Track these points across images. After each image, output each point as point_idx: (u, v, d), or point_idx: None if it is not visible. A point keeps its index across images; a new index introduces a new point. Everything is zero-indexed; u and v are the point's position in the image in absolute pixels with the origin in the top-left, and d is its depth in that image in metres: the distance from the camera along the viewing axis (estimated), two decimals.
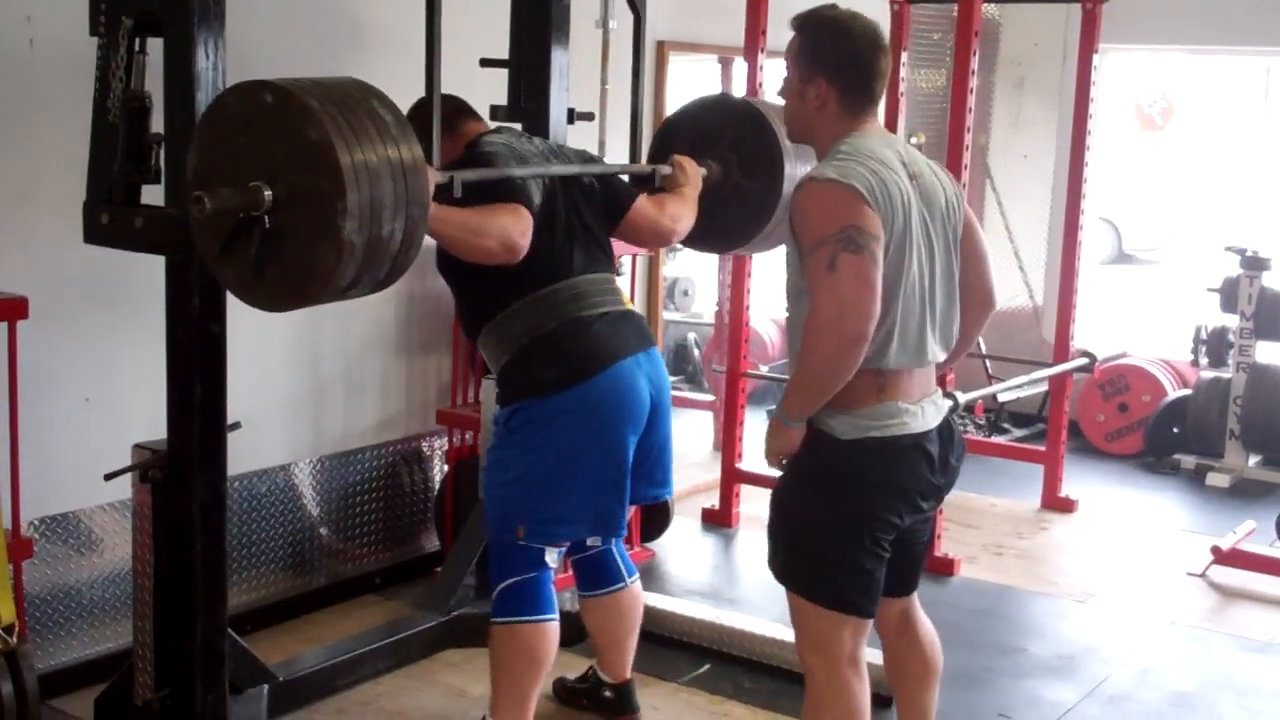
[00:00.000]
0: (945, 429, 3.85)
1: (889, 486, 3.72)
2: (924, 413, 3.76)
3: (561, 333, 4.17)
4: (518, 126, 4.95)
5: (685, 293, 10.50)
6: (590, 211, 4.35)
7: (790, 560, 3.81)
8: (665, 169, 4.65)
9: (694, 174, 4.68)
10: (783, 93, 3.91)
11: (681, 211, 4.56)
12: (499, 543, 4.31)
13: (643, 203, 4.50)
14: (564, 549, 4.40)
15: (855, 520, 3.71)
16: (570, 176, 4.34)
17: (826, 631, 3.76)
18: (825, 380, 3.58)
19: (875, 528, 3.72)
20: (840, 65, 3.74)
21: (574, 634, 4.99)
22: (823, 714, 3.81)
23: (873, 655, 4.46)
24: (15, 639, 3.93)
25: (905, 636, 4.16)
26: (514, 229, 3.96)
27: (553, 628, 4.33)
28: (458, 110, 4.50)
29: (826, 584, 3.74)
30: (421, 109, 4.22)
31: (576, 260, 4.24)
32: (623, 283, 5.22)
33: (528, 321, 4.17)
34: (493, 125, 4.59)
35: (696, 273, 10.42)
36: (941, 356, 3.83)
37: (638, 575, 4.76)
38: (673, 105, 6.99)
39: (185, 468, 4.05)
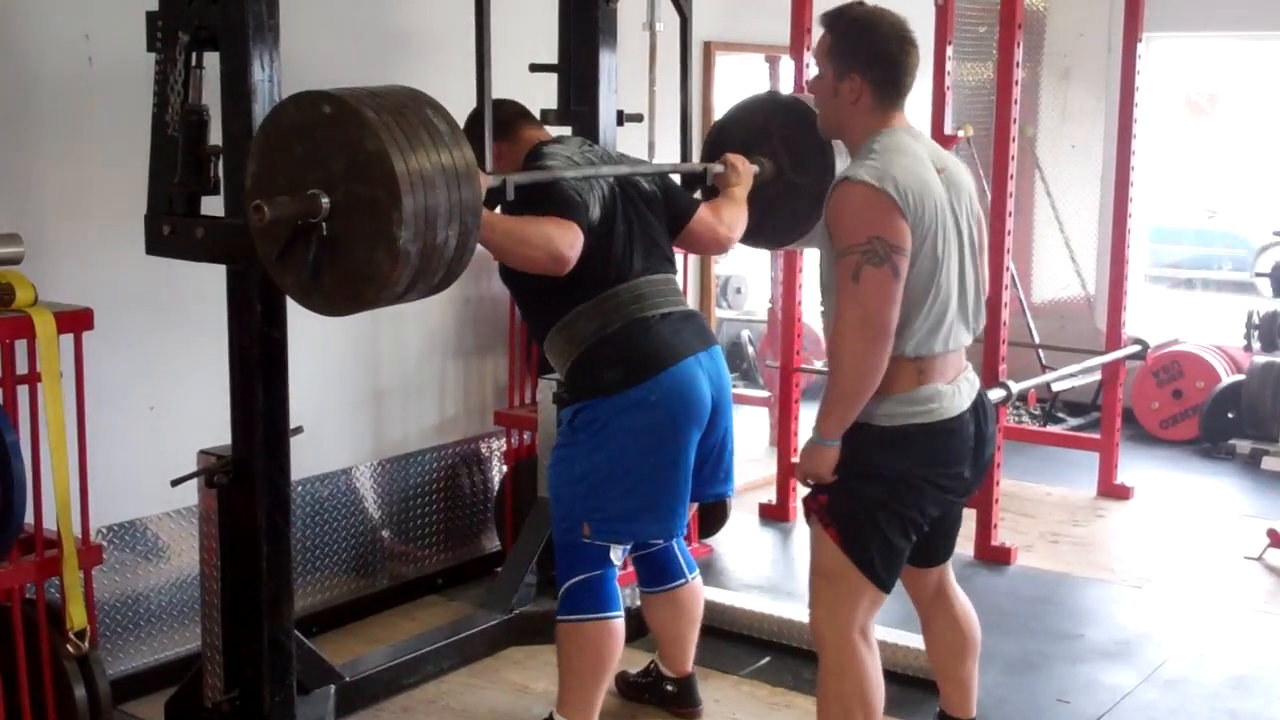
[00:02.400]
0: (979, 402, 3.96)
1: (930, 475, 3.83)
2: (960, 391, 3.87)
3: (623, 334, 4.21)
4: (569, 132, 4.99)
5: (738, 290, 10.51)
6: (654, 216, 4.40)
7: (835, 510, 3.87)
8: (717, 167, 4.70)
9: (745, 172, 4.72)
10: (814, 89, 3.98)
11: (737, 219, 4.63)
12: (564, 541, 4.35)
13: (703, 212, 4.55)
14: (628, 547, 4.44)
15: (896, 508, 3.81)
16: (635, 185, 4.38)
17: (845, 600, 3.87)
18: (856, 387, 3.71)
19: (915, 515, 3.85)
20: (873, 60, 3.82)
21: (636, 629, 5.03)
22: (837, 680, 3.90)
23: (911, 639, 4.53)
24: (88, 644, 3.99)
25: (941, 609, 4.25)
26: (560, 240, 4.00)
27: (618, 625, 4.37)
28: (518, 115, 4.56)
29: (862, 547, 3.83)
30: (476, 118, 4.26)
31: (637, 263, 4.28)
32: None
33: (591, 324, 4.22)
34: (552, 134, 4.63)
35: (748, 270, 10.42)
36: (971, 339, 3.96)
37: (698, 571, 4.80)
38: (720, 104, 7.06)
39: (250, 472, 4.11)
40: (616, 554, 4.35)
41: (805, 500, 3.95)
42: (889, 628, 4.97)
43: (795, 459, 6.95)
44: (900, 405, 3.77)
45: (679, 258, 4.64)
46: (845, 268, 3.66)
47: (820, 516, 3.88)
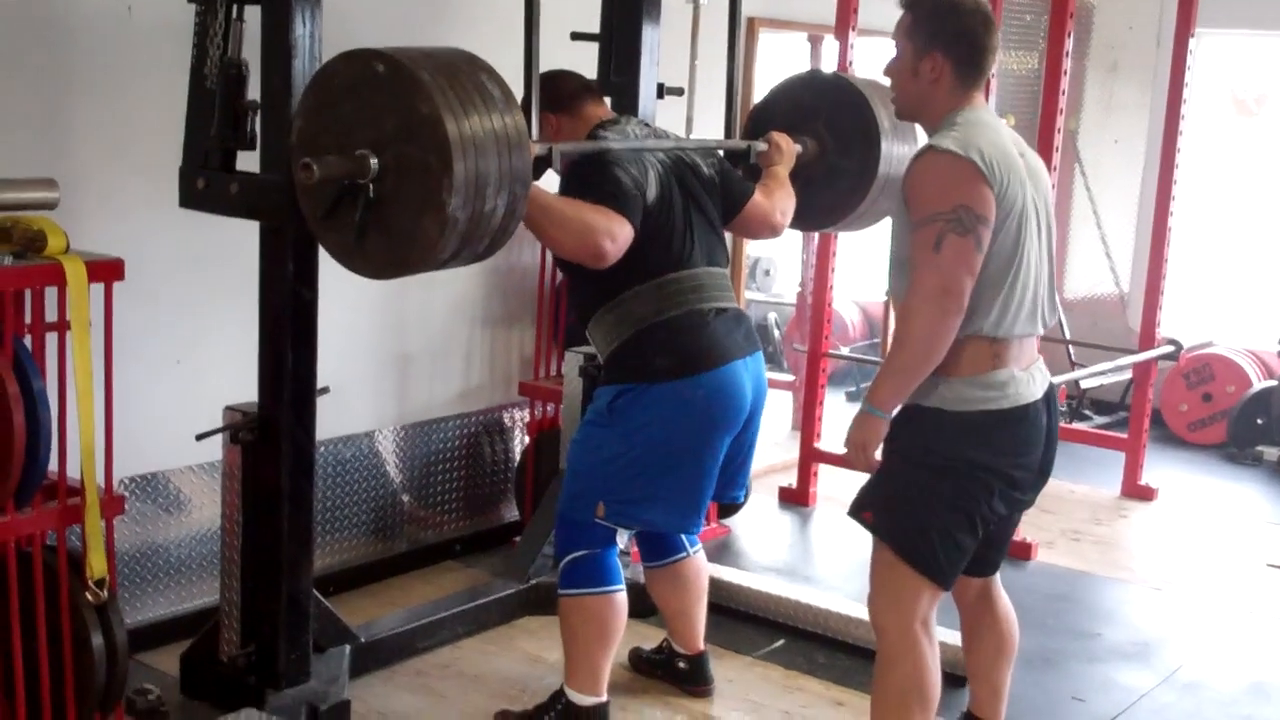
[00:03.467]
0: (1050, 395, 3.89)
1: (1002, 466, 3.75)
2: (1034, 380, 3.81)
3: (679, 323, 4.18)
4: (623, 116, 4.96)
5: (767, 273, 10.49)
6: (713, 208, 4.37)
7: (890, 517, 3.83)
8: (760, 145, 4.67)
9: (789, 151, 4.70)
10: (891, 70, 3.92)
11: (789, 203, 4.60)
12: (570, 516, 4.33)
13: (758, 197, 4.52)
14: (635, 531, 4.44)
15: (964, 504, 3.75)
16: (695, 170, 4.35)
17: (907, 591, 3.80)
18: (921, 359, 3.64)
19: (985, 510, 3.77)
20: (955, 39, 3.77)
21: (648, 606, 5.03)
22: (895, 671, 3.84)
23: (948, 635, 4.50)
24: (106, 593, 4.00)
25: (984, 612, 4.19)
26: (601, 231, 3.95)
27: (621, 598, 4.37)
28: (583, 89, 4.52)
29: (926, 551, 3.77)
30: (543, 85, 4.24)
31: (699, 252, 4.25)
32: None
33: (647, 306, 4.17)
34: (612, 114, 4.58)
35: (778, 253, 10.40)
36: (1042, 329, 3.88)
37: (700, 546, 4.78)
38: (761, 82, 7.01)
39: (275, 430, 4.12)
40: (622, 537, 4.35)
41: (857, 510, 3.90)
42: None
43: (818, 443, 6.97)
44: (972, 389, 3.70)
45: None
46: (926, 236, 3.59)
47: (874, 530, 3.85)
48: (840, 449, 3.88)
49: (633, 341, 4.19)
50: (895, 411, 3.78)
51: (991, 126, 3.76)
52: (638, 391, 4.18)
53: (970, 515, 3.76)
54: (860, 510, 3.89)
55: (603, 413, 4.25)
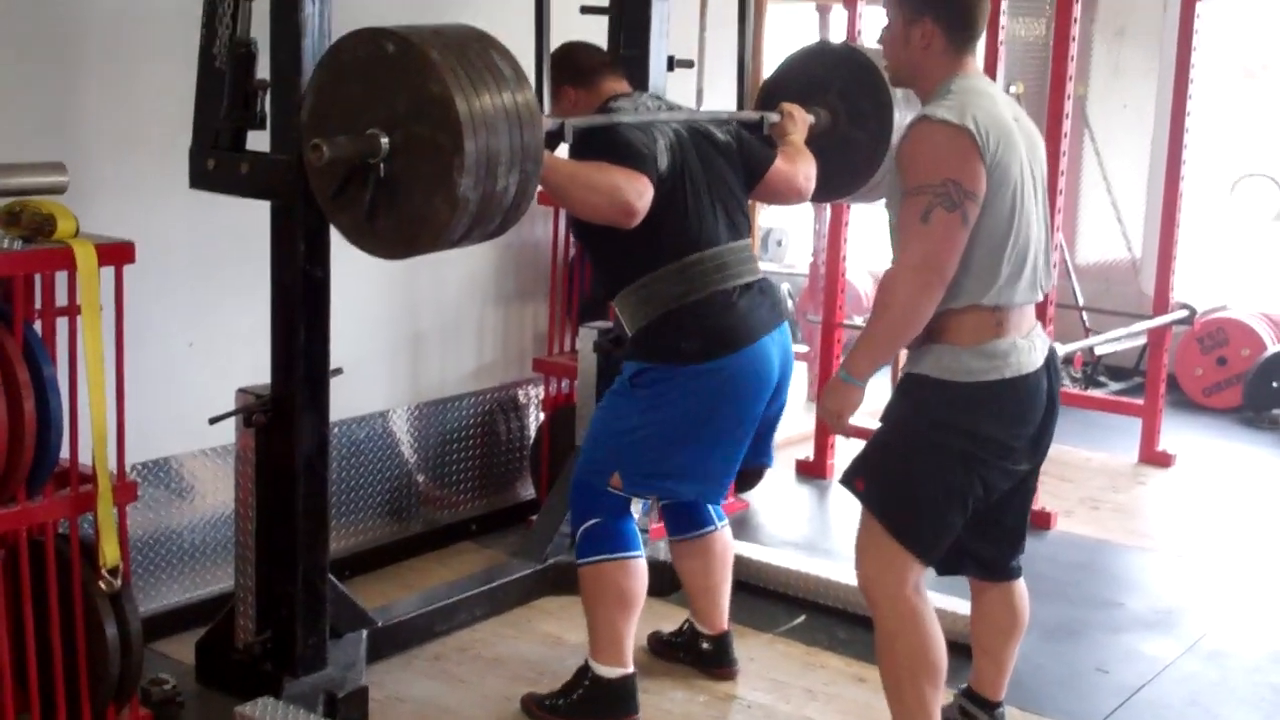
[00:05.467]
0: (1051, 360, 3.86)
1: (1003, 438, 3.73)
2: (1034, 347, 3.77)
3: (705, 305, 4.15)
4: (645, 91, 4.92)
5: (779, 243, 10.42)
6: (732, 175, 4.34)
7: (880, 488, 3.81)
8: (774, 116, 4.63)
9: (803, 121, 4.67)
10: (884, 39, 3.90)
11: (810, 168, 4.56)
12: (586, 484, 4.31)
13: (780, 163, 4.48)
14: (652, 500, 4.41)
15: (958, 482, 3.72)
16: (708, 136, 4.32)
17: (896, 560, 3.78)
18: (899, 329, 3.63)
19: (978, 490, 3.75)
20: (945, 4, 3.74)
21: (670, 583, 5.00)
22: (897, 643, 3.82)
23: (958, 604, 4.48)
24: (120, 581, 3.96)
25: (996, 585, 4.14)
26: (628, 188, 3.92)
27: (640, 564, 4.34)
28: (602, 65, 4.51)
29: (914, 526, 3.76)
30: (560, 59, 4.30)
31: (721, 228, 4.22)
32: None
33: (673, 289, 4.15)
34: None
35: (790, 223, 10.35)
36: (1041, 295, 3.85)
37: (727, 521, 4.75)
38: (770, 53, 6.95)
39: (289, 412, 4.08)
40: (636, 506, 4.31)
41: (850, 478, 3.88)
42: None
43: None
44: (976, 359, 3.67)
45: None
46: (915, 206, 3.57)
47: (865, 501, 3.83)
48: (858, 419, 3.84)
49: (659, 324, 4.17)
50: (897, 378, 3.80)
51: (986, 94, 3.73)
52: (661, 370, 4.16)
53: (963, 492, 3.73)
54: (852, 478, 3.87)
55: (624, 385, 4.25)
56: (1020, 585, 4.17)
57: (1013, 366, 3.69)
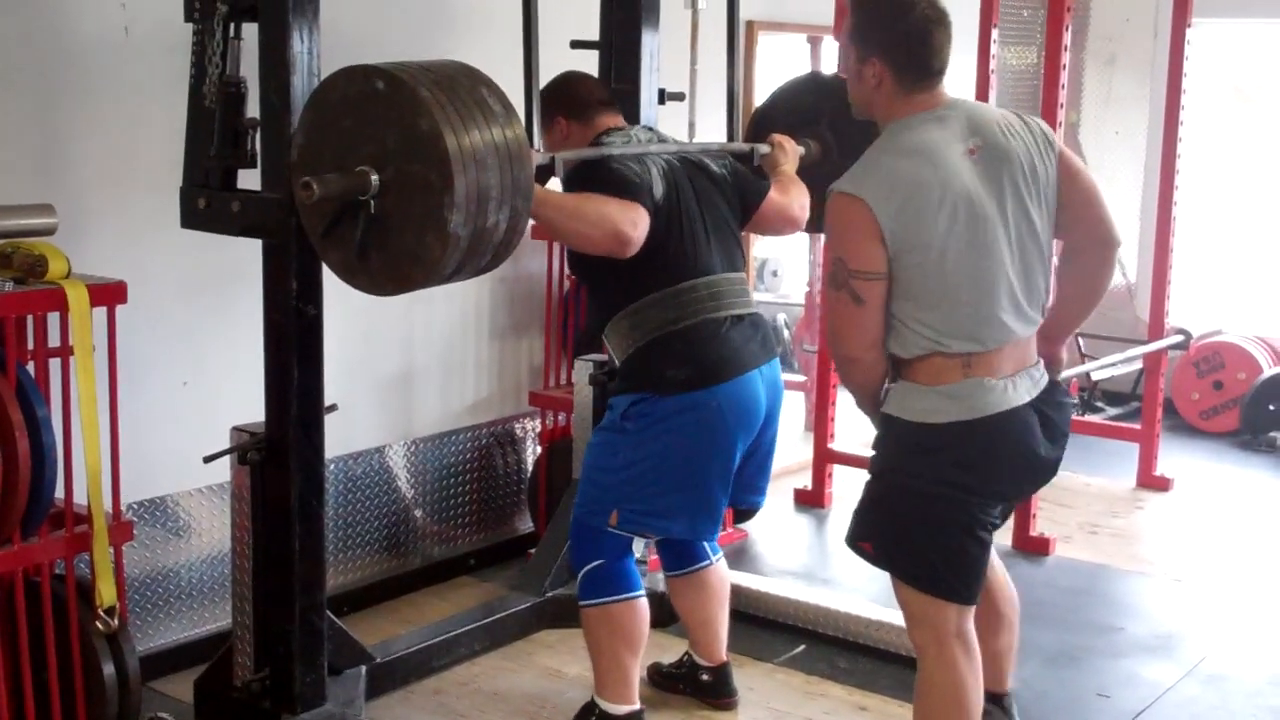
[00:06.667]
0: (1047, 398, 3.74)
1: (971, 484, 3.63)
2: (1016, 386, 3.65)
3: (695, 333, 4.14)
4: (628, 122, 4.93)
5: (774, 273, 10.47)
6: (726, 206, 4.34)
7: (886, 546, 3.77)
8: (764, 148, 4.64)
9: (793, 153, 4.68)
10: (841, 73, 3.90)
11: (804, 197, 4.57)
12: (585, 525, 4.31)
13: (774, 194, 4.49)
14: (651, 539, 4.40)
15: (958, 519, 3.64)
16: (703, 168, 4.33)
17: (929, 610, 3.72)
18: (852, 392, 3.82)
19: (980, 520, 3.67)
20: (892, 44, 3.66)
21: (669, 615, 4.99)
22: (932, 690, 3.77)
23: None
24: (117, 622, 3.96)
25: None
26: (622, 218, 3.93)
27: (642, 603, 4.34)
28: (599, 102, 4.50)
29: (932, 575, 3.69)
30: (557, 88, 4.36)
31: (716, 258, 4.22)
32: None
33: (664, 314, 4.14)
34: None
35: (785, 253, 10.37)
36: (1029, 329, 3.72)
37: (722, 554, 4.75)
38: (761, 85, 6.98)
39: (283, 449, 4.07)
40: (638, 545, 4.30)
41: (854, 541, 3.85)
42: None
43: (832, 444, 6.93)
44: (934, 400, 3.60)
45: None
46: (826, 280, 3.67)
47: (877, 564, 3.81)
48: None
49: (647, 349, 4.16)
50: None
51: (915, 147, 3.60)
52: (651, 401, 4.15)
53: (968, 525, 3.65)
54: (857, 542, 3.83)
55: (615, 421, 4.24)
56: (1000, 574, 4.14)
57: (977, 409, 3.59)
